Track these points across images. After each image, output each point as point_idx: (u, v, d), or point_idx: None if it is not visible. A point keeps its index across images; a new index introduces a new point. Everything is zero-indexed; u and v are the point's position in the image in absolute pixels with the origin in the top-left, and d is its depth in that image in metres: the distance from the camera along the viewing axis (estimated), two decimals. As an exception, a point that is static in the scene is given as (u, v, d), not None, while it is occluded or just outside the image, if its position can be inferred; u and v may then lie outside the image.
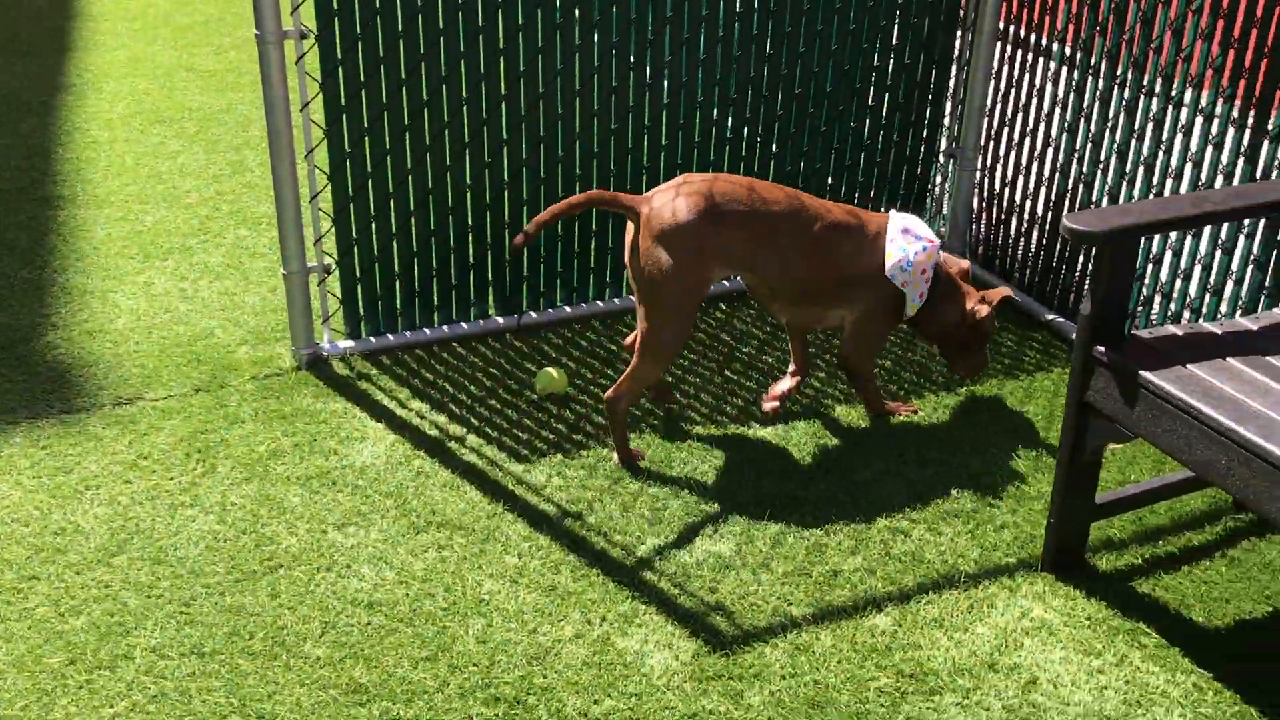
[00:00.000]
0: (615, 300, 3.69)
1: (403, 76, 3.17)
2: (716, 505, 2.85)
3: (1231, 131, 3.06)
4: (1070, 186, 3.55)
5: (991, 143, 3.85)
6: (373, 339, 3.44)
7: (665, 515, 2.81)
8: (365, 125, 3.19)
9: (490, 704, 2.29)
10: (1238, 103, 3.03)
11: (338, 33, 3.07)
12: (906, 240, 2.96)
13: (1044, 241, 3.70)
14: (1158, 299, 3.34)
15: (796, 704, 2.31)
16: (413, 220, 3.35)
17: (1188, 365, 2.33)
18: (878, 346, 3.10)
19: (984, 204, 3.93)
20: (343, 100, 3.15)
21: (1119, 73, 3.32)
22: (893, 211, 3.06)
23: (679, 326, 2.84)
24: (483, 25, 3.19)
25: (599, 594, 2.56)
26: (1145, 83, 3.25)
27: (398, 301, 3.43)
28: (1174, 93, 3.18)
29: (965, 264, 3.19)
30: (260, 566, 2.62)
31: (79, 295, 3.67)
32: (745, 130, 3.62)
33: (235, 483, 2.87)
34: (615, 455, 2.98)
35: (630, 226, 2.86)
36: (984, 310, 3.07)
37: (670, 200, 2.80)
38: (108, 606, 2.49)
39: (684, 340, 2.88)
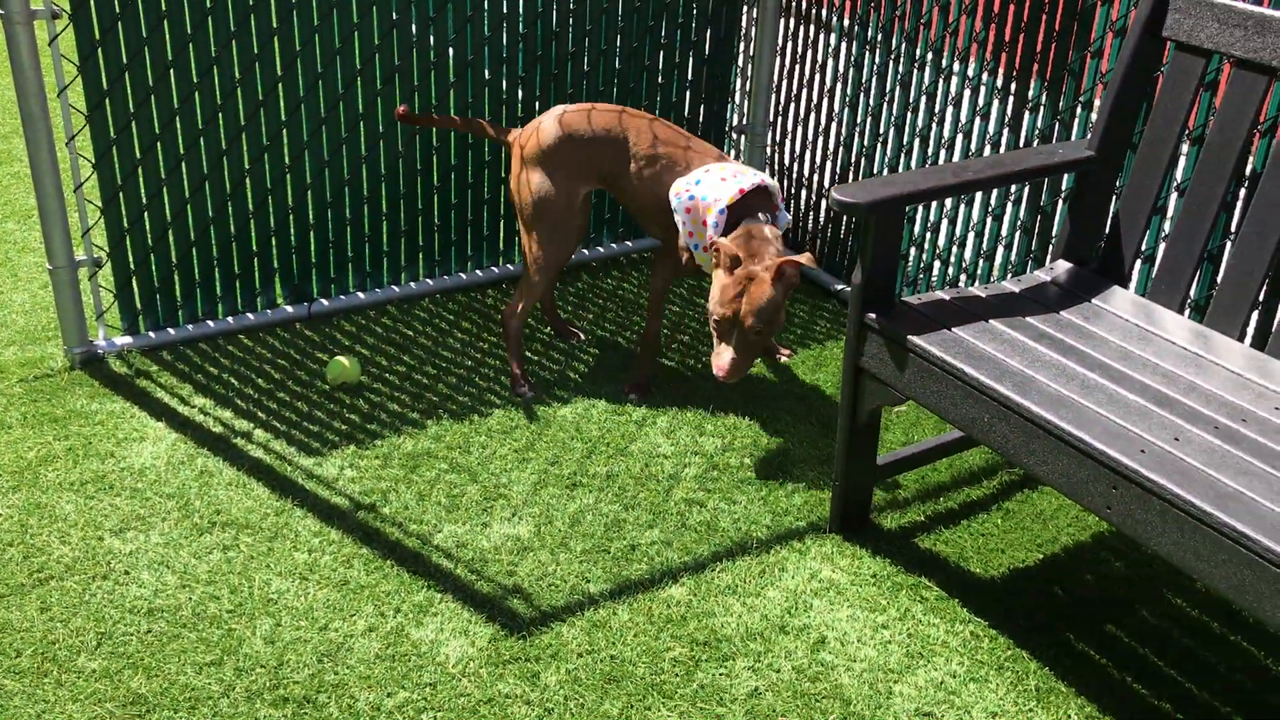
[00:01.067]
0: (411, 285, 3.62)
1: (169, 58, 3.03)
2: (516, 488, 2.83)
3: (996, 103, 3.20)
4: (854, 160, 3.65)
5: (780, 118, 3.93)
6: (152, 334, 3.28)
7: (463, 501, 2.78)
8: (132, 110, 3.04)
9: (279, 705, 2.23)
10: (1000, 74, 3.17)
11: (94, 12, 2.91)
12: (702, 187, 2.91)
13: (832, 214, 3.80)
14: (936, 265, 3.47)
15: (593, 680, 2.32)
16: (189, 207, 3.21)
17: (952, 328, 2.43)
18: (668, 280, 3.14)
19: (775, 178, 4.01)
20: (105, 84, 2.99)
21: (894, 47, 3.43)
22: (734, 164, 3.00)
23: (558, 242, 3.09)
24: (254, 4, 3.07)
25: (393, 585, 2.52)
26: (917, 56, 3.37)
27: (177, 294, 3.29)
28: (944, 66, 3.30)
29: (802, 259, 2.76)
30: (28, 579, 2.47)
31: None
32: (536, 107, 3.60)
33: (1, 492, 2.70)
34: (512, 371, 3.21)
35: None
36: (719, 258, 2.77)
37: (536, 127, 3.09)
38: None
39: (565, 256, 3.12)
